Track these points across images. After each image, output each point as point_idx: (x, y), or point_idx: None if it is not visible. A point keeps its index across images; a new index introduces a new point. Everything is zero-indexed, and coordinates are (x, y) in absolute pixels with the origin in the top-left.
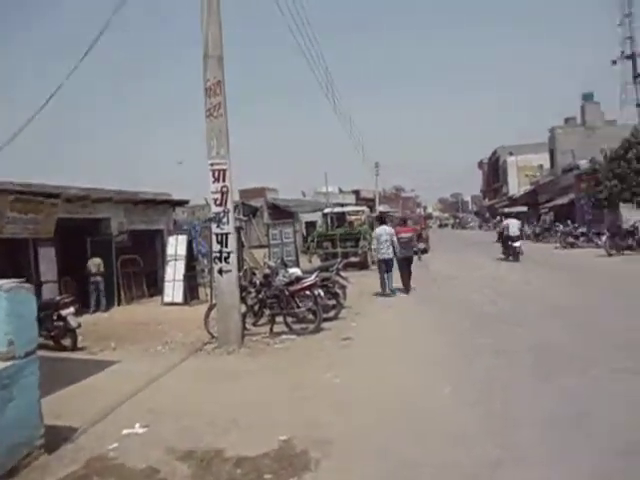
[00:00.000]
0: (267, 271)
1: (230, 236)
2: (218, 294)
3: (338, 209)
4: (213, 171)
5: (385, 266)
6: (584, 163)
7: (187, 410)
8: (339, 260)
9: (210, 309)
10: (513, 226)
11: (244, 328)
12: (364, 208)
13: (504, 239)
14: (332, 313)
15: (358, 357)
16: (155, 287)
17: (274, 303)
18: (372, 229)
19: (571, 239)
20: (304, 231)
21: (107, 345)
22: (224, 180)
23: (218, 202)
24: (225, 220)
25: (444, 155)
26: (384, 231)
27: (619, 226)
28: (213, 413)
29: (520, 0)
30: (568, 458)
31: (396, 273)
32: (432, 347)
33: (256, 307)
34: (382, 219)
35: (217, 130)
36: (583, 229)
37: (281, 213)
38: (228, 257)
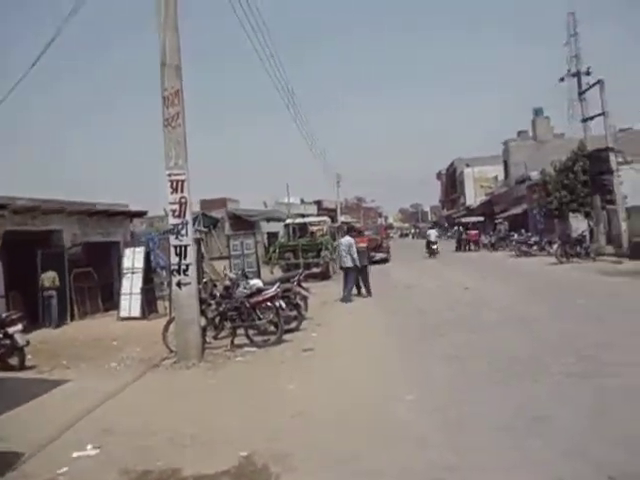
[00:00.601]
0: (228, 283)
1: (189, 248)
2: (177, 307)
3: (300, 220)
4: (171, 182)
5: (345, 274)
6: (535, 175)
7: (143, 429)
8: (300, 271)
9: (169, 323)
10: (432, 235)
11: (204, 342)
12: (325, 218)
13: (427, 243)
14: (294, 324)
15: (319, 367)
16: (111, 301)
17: (235, 315)
18: (334, 239)
19: (525, 248)
20: (266, 242)
21: (58, 363)
22: (182, 191)
23: (176, 213)
24: (184, 232)
25: (404, 167)
26: (345, 241)
27: (569, 235)
28: (171, 430)
29: (476, 21)
30: (521, 462)
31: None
32: (392, 355)
33: (217, 320)
34: (347, 230)
35: (175, 140)
36: (536, 238)
37: (243, 224)
38: (187, 269)
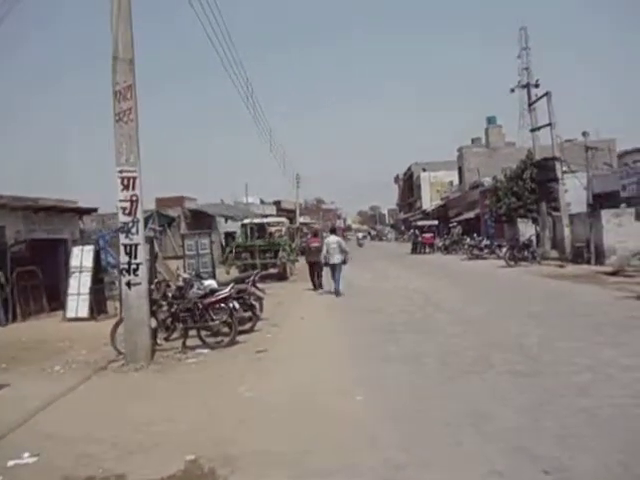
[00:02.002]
0: (180, 283)
1: (139, 247)
2: (126, 308)
3: (257, 220)
4: (122, 178)
5: (332, 268)
6: (488, 181)
7: (86, 435)
8: (255, 272)
9: (117, 324)
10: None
11: (155, 343)
12: (284, 219)
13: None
14: (248, 325)
15: (272, 369)
16: (58, 302)
17: (187, 316)
18: (292, 240)
19: (476, 251)
20: (223, 242)
21: None
22: (134, 188)
23: (127, 211)
24: (134, 230)
25: (364, 170)
26: (333, 239)
27: (517, 239)
28: (115, 436)
29: (439, 26)
30: (464, 458)
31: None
32: (344, 355)
33: (168, 321)
34: (333, 230)
35: (127, 136)
36: (487, 242)
37: (200, 223)
38: (137, 269)
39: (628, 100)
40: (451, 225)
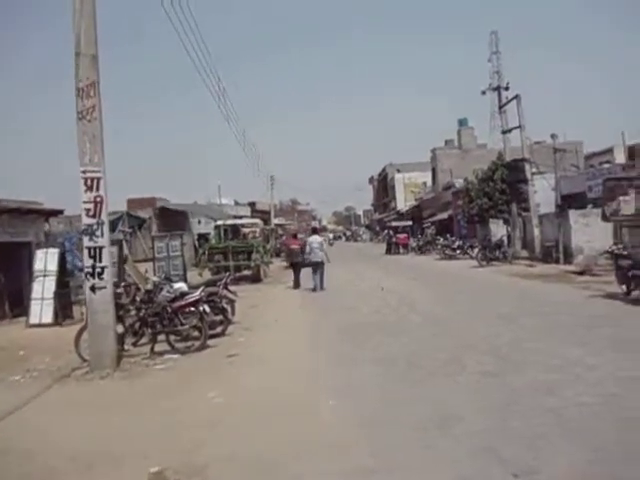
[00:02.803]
0: (149, 287)
1: (104, 250)
2: (90, 313)
3: (231, 221)
4: (85, 179)
5: (316, 267)
6: (460, 182)
7: (44, 448)
8: (227, 274)
9: (82, 330)
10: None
11: (122, 349)
12: (258, 221)
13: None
14: (219, 329)
15: (244, 374)
16: (21, 307)
17: (156, 321)
18: (267, 242)
19: (449, 251)
20: (197, 243)
21: None
22: (98, 189)
23: (91, 213)
24: (99, 233)
25: (339, 170)
26: (314, 239)
27: (489, 240)
28: (76, 448)
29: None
30: (433, 462)
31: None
32: (317, 359)
33: (136, 326)
34: (315, 230)
35: (91, 135)
36: (459, 242)
37: (172, 224)
38: (102, 272)
39: (595, 104)
40: (425, 226)
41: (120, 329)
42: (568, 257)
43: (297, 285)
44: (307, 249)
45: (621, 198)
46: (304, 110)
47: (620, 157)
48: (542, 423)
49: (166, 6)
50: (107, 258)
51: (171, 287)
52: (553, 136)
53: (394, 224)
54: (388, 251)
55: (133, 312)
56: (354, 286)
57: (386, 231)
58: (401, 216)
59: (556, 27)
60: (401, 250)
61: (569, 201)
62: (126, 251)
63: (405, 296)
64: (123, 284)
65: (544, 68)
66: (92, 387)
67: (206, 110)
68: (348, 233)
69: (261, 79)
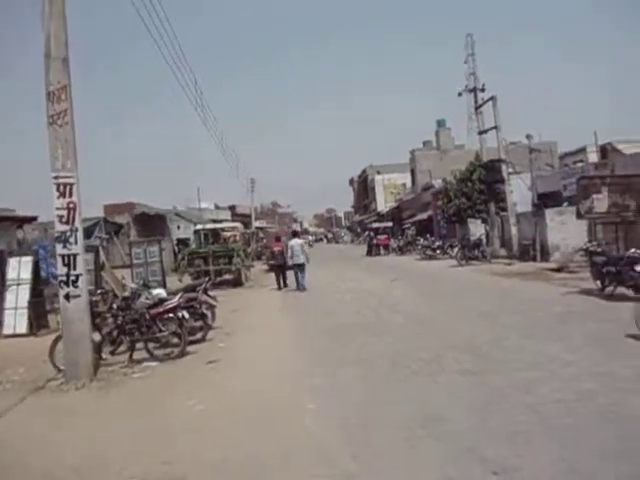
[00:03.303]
0: (126, 294)
1: (78, 257)
2: (65, 322)
3: (210, 225)
4: (58, 185)
5: (298, 268)
6: (439, 182)
7: (16, 462)
8: (207, 279)
9: (57, 339)
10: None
11: (99, 358)
12: (238, 224)
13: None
14: (199, 335)
15: (223, 380)
16: None
17: (134, 328)
18: (248, 245)
19: (429, 251)
20: (176, 248)
21: None
22: (71, 195)
23: (64, 220)
24: (72, 239)
25: (319, 173)
26: (296, 242)
27: (468, 239)
28: (50, 462)
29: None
30: (415, 464)
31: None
32: (299, 362)
33: (114, 334)
34: (295, 234)
35: (62, 140)
36: (439, 242)
37: (151, 230)
38: (77, 280)
39: (570, 104)
40: (405, 226)
41: (97, 337)
42: (545, 255)
43: (281, 286)
44: (289, 252)
45: (594, 196)
46: (285, 113)
47: (593, 156)
48: (521, 421)
49: (139, 8)
50: (82, 266)
51: (149, 293)
52: (528, 136)
53: (375, 225)
54: (369, 252)
55: (110, 320)
56: (335, 288)
57: (367, 232)
58: (381, 217)
59: (535, 29)
60: (382, 251)
61: (545, 200)
62: (103, 258)
63: (386, 297)
64: (99, 291)
65: (519, 69)
66: (67, 398)
67: (185, 114)
68: (330, 235)
69: (240, 83)
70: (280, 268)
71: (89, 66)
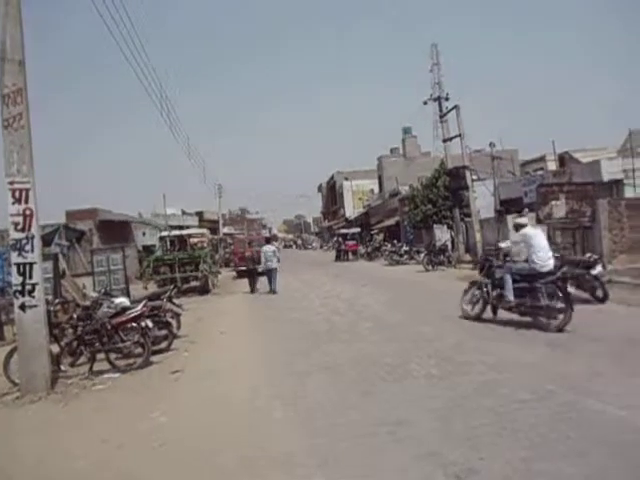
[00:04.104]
0: (87, 303)
1: (35, 266)
2: (20, 334)
3: (176, 232)
4: (13, 191)
5: (270, 273)
6: (405, 189)
7: None
8: (172, 287)
9: (12, 352)
10: (269, 249)
11: (58, 370)
12: (205, 230)
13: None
14: (164, 344)
15: (188, 390)
16: None
17: (94, 339)
18: (216, 251)
19: (397, 257)
20: (141, 255)
21: None
22: (27, 202)
23: (20, 227)
24: (28, 247)
25: (288, 179)
26: (269, 248)
27: (434, 244)
28: None
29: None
30: (379, 470)
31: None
32: (265, 371)
33: (73, 345)
34: (268, 240)
35: (18, 144)
36: (406, 248)
37: (115, 237)
38: (33, 290)
39: (530, 114)
40: (373, 232)
41: (56, 349)
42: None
43: (254, 289)
44: (262, 257)
45: (553, 202)
46: (254, 119)
47: (552, 164)
48: (483, 423)
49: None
50: (38, 274)
51: (111, 302)
52: (491, 145)
53: (343, 231)
54: (338, 258)
55: (70, 330)
56: (304, 294)
57: (335, 238)
58: (350, 223)
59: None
60: (350, 257)
61: (507, 206)
62: (63, 266)
63: (354, 302)
64: (58, 301)
65: (482, 80)
66: (23, 412)
67: (152, 120)
68: (299, 241)
69: (208, 90)
70: (252, 272)
71: (51, 71)
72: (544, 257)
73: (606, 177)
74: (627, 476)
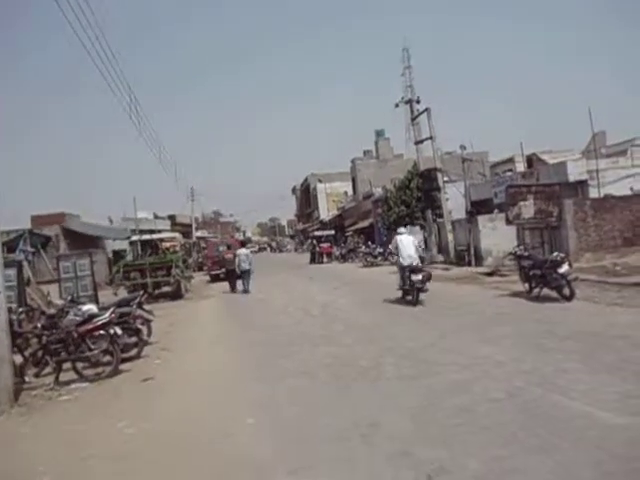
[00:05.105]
0: (52, 311)
1: None
2: None
3: (147, 236)
4: None
5: (244, 274)
6: (379, 191)
7: None
8: (141, 292)
9: None
10: (244, 253)
11: (22, 382)
12: (177, 234)
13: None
14: (134, 352)
15: (159, 399)
16: None
17: (60, 348)
18: (190, 255)
19: (371, 258)
20: (111, 260)
21: None
22: None
23: None
24: None
25: (262, 182)
26: (244, 251)
27: None
28: None
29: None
30: (351, 473)
31: None
32: (238, 377)
33: (38, 355)
34: (243, 243)
35: None
36: (380, 249)
37: (84, 242)
38: None
39: (500, 117)
40: (347, 234)
41: (20, 359)
42: (479, 259)
43: (233, 288)
44: (237, 260)
45: (522, 203)
46: (226, 123)
47: (520, 166)
48: (456, 423)
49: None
50: (0, 282)
51: (78, 310)
52: (462, 147)
53: (317, 233)
54: (312, 260)
55: (34, 340)
56: (278, 297)
57: (310, 241)
58: (324, 225)
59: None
60: (325, 259)
61: (478, 207)
62: (28, 273)
63: (329, 305)
64: (22, 309)
65: (454, 84)
66: None
67: (119, 121)
68: (274, 244)
69: (180, 92)
70: (230, 273)
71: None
72: (406, 256)
73: (572, 178)
74: (592, 470)
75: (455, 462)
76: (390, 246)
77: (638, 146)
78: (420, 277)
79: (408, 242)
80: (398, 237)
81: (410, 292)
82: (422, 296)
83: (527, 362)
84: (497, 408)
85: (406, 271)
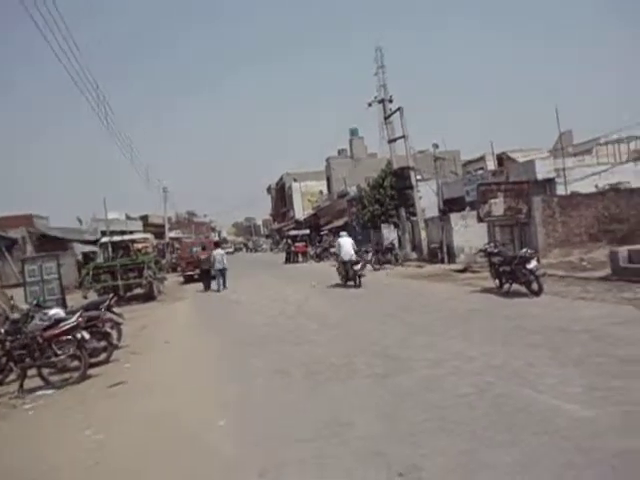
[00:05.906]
0: (16, 316)
1: None
2: None
3: (118, 238)
4: None
5: (219, 273)
6: (353, 190)
7: None
8: (111, 295)
9: None
10: (219, 253)
11: None
12: (149, 235)
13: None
14: (103, 356)
15: (128, 404)
16: None
17: (24, 354)
18: (163, 256)
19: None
20: (81, 263)
21: None
22: None
23: None
24: None
25: (238, 181)
26: (218, 252)
27: (381, 244)
28: None
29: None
30: (322, 474)
31: None
32: (210, 379)
33: (2, 361)
34: (217, 244)
35: None
36: (355, 248)
37: (51, 244)
38: None
39: (474, 116)
40: (322, 233)
41: None
42: (452, 257)
43: (206, 287)
44: (212, 260)
45: (492, 201)
46: (200, 122)
47: (491, 164)
48: (426, 419)
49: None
50: None
51: (44, 314)
52: (434, 145)
53: (293, 233)
54: (287, 260)
55: None
56: (253, 296)
57: (285, 240)
58: (299, 225)
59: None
60: (300, 258)
61: (450, 205)
62: None
63: (303, 304)
64: None
65: (427, 82)
66: None
67: (90, 120)
68: (250, 244)
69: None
70: (206, 272)
71: None
72: (344, 253)
73: (540, 176)
74: (559, 462)
75: (425, 459)
76: (335, 246)
77: (603, 145)
78: (359, 266)
79: (346, 243)
80: (339, 240)
81: (352, 278)
82: (402, 296)
83: (497, 357)
84: (467, 403)
85: (347, 264)
